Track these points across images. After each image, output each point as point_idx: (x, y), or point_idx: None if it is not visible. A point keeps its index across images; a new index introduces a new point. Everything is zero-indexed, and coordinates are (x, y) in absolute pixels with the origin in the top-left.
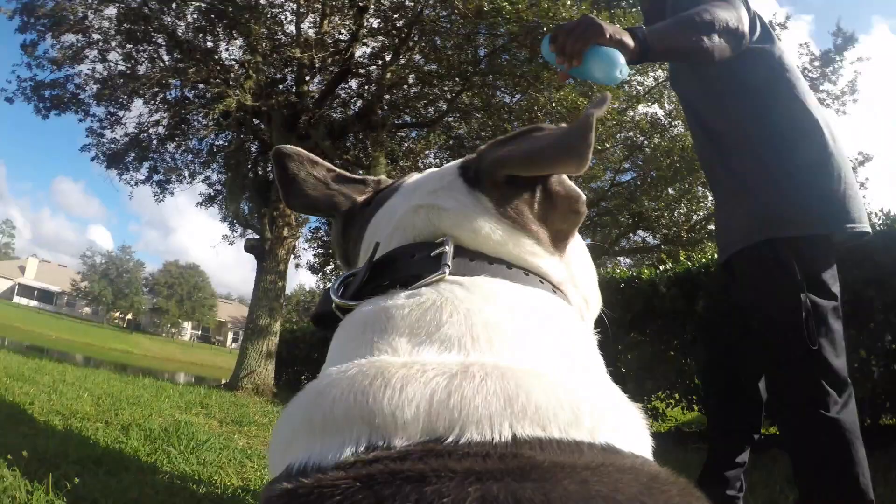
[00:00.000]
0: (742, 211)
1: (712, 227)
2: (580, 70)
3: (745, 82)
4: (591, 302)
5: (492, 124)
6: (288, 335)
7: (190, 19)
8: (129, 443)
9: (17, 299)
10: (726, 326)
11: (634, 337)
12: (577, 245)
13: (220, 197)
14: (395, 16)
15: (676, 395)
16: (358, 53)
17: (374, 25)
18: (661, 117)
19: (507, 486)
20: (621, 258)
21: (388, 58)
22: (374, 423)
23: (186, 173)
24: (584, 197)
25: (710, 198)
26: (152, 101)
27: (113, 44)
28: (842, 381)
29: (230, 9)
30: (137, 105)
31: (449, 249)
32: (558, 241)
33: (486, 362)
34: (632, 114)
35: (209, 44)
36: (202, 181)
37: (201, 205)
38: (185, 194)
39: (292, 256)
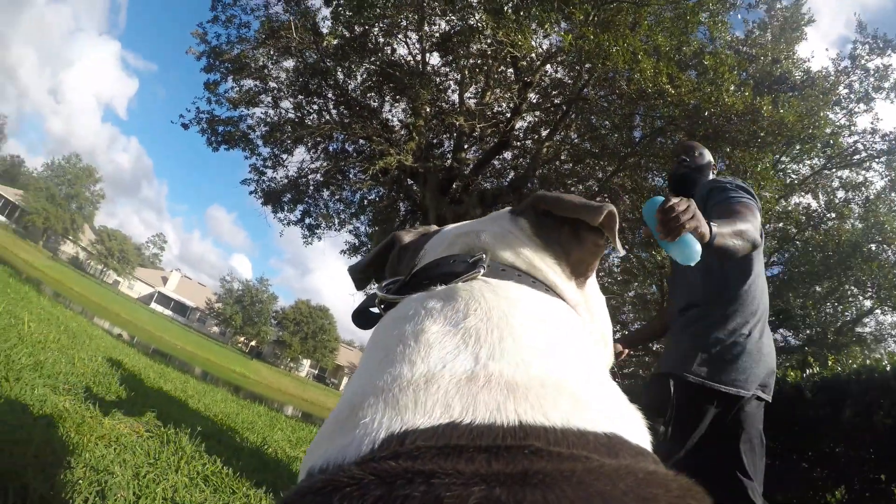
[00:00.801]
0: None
1: (861, 329)
2: (668, 245)
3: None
4: (605, 341)
5: (640, 206)
6: None
7: (360, 79)
8: (239, 465)
9: (153, 306)
10: None
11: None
12: (595, 288)
13: (365, 248)
14: (555, 92)
15: None
16: (517, 126)
17: (534, 100)
18: (816, 208)
19: (510, 489)
20: None
21: (544, 133)
22: (392, 424)
23: (336, 221)
24: (602, 243)
25: (862, 298)
26: (314, 150)
27: (287, 93)
28: None
29: (398, 73)
30: (300, 151)
31: (486, 257)
32: (579, 270)
33: (498, 366)
34: (784, 203)
35: (375, 104)
36: (350, 231)
37: (345, 252)
38: (331, 241)
39: None
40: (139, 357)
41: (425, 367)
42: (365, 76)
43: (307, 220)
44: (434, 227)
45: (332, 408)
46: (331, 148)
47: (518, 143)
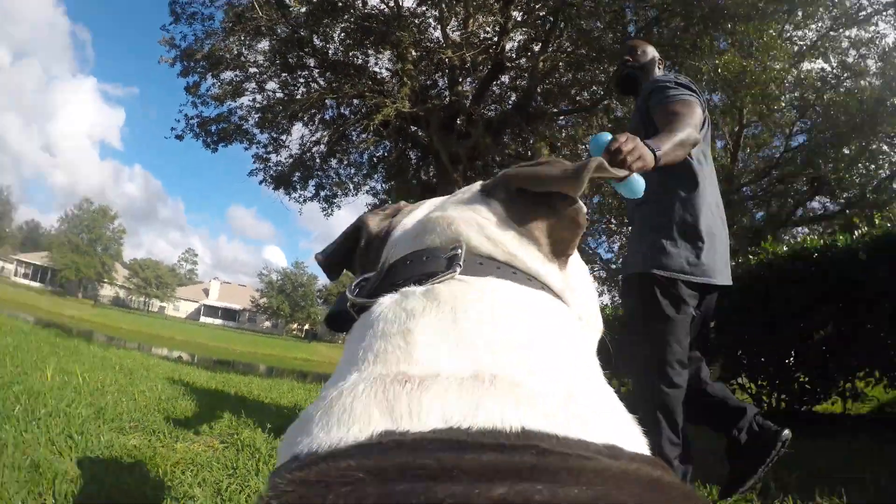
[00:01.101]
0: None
1: None
2: (616, 185)
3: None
4: (591, 321)
5: None
6: None
7: (338, 40)
8: None
9: (203, 319)
10: None
11: (828, 312)
12: (579, 265)
13: (386, 205)
14: (538, 5)
15: (877, 373)
16: (507, 47)
17: (519, 18)
18: (830, 70)
19: (514, 486)
20: (799, 228)
21: (537, 48)
22: (391, 414)
23: (351, 186)
24: (584, 209)
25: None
26: (311, 123)
27: (269, 74)
28: None
29: (375, 24)
30: (298, 128)
31: (461, 252)
32: (559, 251)
33: (493, 369)
34: (796, 71)
35: (359, 60)
36: (367, 192)
37: None
38: (349, 207)
39: None
40: (200, 373)
41: (418, 369)
42: (342, 36)
43: (322, 194)
44: (403, 205)
45: None
46: (327, 116)
47: (512, 65)
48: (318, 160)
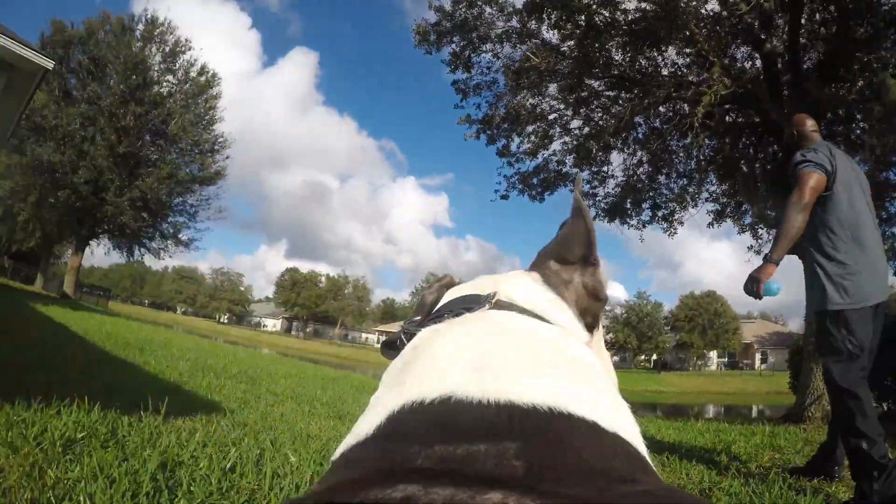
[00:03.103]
0: None
1: None
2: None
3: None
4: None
5: None
6: None
7: (619, 56)
8: None
9: None
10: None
11: None
12: (602, 346)
13: (729, 208)
14: None
15: None
16: None
17: None
18: None
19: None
20: None
21: None
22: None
23: (688, 198)
24: (606, 289)
25: None
26: (626, 146)
27: (569, 114)
28: None
29: (644, 25)
30: (615, 157)
31: (496, 296)
32: (585, 321)
33: (510, 383)
34: None
35: (649, 69)
36: (706, 200)
37: (712, 224)
38: (691, 222)
39: None
40: None
41: (431, 367)
42: (623, 41)
43: (659, 214)
44: (459, 280)
45: (753, 392)
46: (640, 135)
47: None
48: (645, 180)
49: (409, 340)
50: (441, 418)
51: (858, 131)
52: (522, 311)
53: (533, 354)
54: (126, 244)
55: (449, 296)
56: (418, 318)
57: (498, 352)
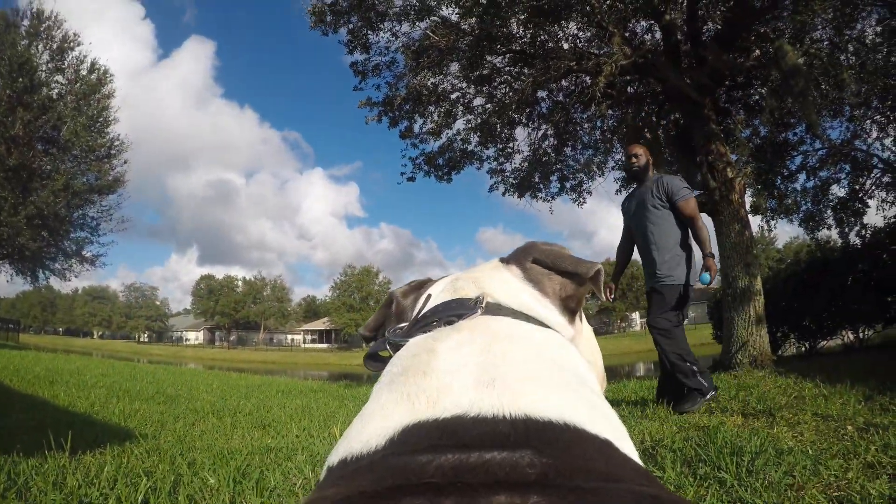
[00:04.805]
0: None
1: None
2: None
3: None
4: (598, 370)
5: None
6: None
7: (521, 31)
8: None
9: None
10: None
11: None
12: (585, 325)
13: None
14: None
15: None
16: None
17: None
18: None
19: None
20: None
21: None
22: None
23: (594, 166)
24: (587, 277)
25: None
26: (531, 121)
27: (471, 92)
28: None
29: (545, 5)
30: (520, 132)
31: (484, 300)
32: (568, 306)
33: (496, 373)
34: None
35: (550, 44)
36: (612, 169)
37: (620, 191)
38: (600, 190)
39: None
40: None
41: (437, 380)
42: (524, 17)
43: (568, 185)
44: (429, 279)
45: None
46: (543, 109)
47: None
48: (551, 153)
49: (395, 351)
50: (454, 431)
51: (757, 97)
52: (512, 313)
53: (534, 367)
54: (28, 268)
55: (432, 300)
56: (403, 326)
57: (502, 365)
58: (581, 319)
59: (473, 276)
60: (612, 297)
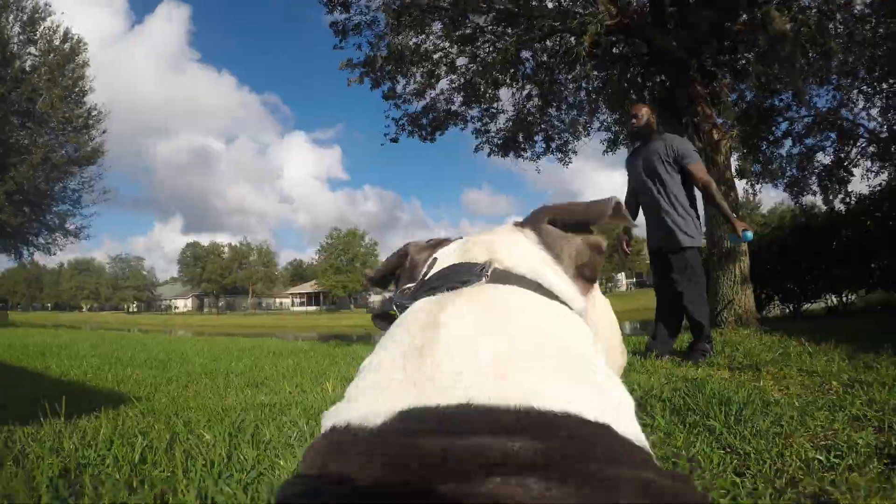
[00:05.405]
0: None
1: None
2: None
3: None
4: (612, 352)
5: None
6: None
7: None
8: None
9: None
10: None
11: None
12: (600, 296)
13: (622, 136)
14: None
15: None
16: None
17: None
18: None
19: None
20: None
21: None
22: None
23: (580, 128)
24: (604, 244)
25: None
26: (515, 81)
27: (454, 52)
28: None
29: None
30: (504, 92)
31: (490, 266)
32: (583, 274)
33: (501, 348)
34: None
35: (534, 2)
36: (598, 129)
37: (606, 152)
38: (585, 150)
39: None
40: None
41: (440, 351)
42: None
43: (553, 145)
44: (444, 237)
45: None
46: (528, 70)
47: None
48: (536, 114)
49: (401, 312)
50: (455, 419)
51: (743, 61)
52: (519, 280)
53: (534, 347)
54: (11, 245)
55: (440, 261)
56: (410, 287)
57: (501, 344)
58: (596, 290)
59: (485, 240)
60: (628, 250)
